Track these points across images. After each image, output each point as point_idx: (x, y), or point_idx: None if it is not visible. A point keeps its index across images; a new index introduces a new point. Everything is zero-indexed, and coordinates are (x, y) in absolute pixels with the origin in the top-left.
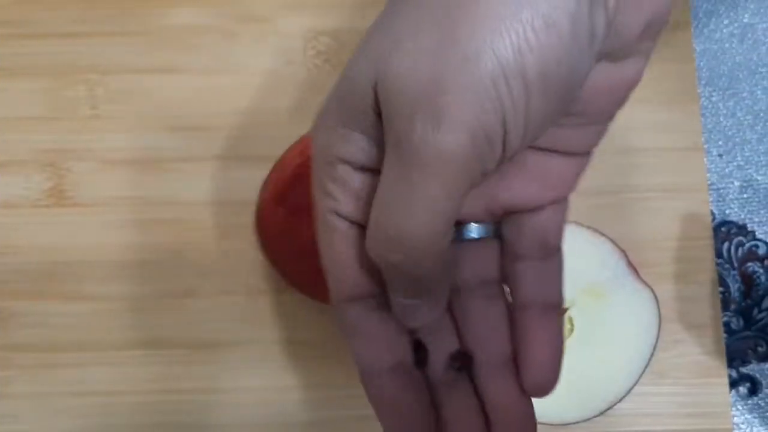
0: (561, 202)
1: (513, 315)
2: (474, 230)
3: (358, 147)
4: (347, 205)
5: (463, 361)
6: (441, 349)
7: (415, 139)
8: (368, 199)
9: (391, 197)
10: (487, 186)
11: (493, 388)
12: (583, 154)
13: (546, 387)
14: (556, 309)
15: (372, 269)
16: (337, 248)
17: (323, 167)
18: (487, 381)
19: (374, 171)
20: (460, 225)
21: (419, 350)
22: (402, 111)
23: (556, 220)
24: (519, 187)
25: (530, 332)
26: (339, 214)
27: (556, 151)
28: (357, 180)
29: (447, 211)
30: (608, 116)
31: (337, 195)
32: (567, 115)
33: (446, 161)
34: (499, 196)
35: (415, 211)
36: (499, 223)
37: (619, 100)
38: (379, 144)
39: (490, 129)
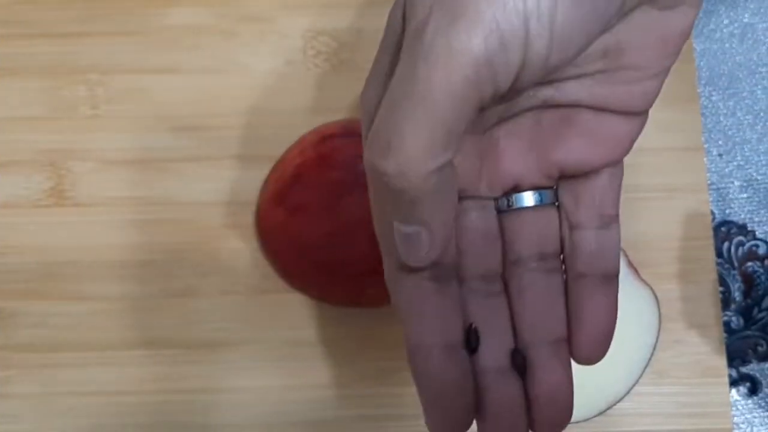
0: (616, 167)
1: (568, 284)
2: (530, 198)
3: None
4: None
5: (517, 360)
6: (493, 337)
7: (428, 32)
8: None
9: (393, 98)
10: (542, 144)
11: (542, 369)
12: (638, 114)
13: (597, 357)
14: (613, 279)
15: None
16: None
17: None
18: (537, 361)
19: None
20: (515, 192)
21: (470, 337)
22: (421, 8)
23: (612, 188)
24: (573, 145)
25: (587, 302)
26: None
27: (610, 111)
28: None
29: (447, 121)
30: (661, 70)
31: None
32: (619, 69)
33: (456, 59)
34: (554, 156)
35: (414, 114)
36: (556, 191)
37: (670, 53)
38: None
39: (509, 31)
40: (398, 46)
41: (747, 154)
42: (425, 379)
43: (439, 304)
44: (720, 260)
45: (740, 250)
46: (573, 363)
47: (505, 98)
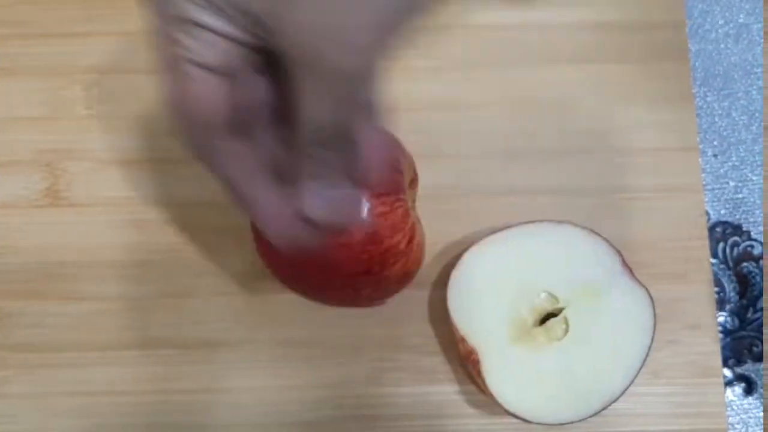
0: None
1: None
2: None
3: (214, 19)
4: (199, 50)
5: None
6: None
7: None
8: (223, 47)
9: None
10: None
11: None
12: None
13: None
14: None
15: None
16: (191, 87)
17: (173, 22)
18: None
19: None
20: None
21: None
22: None
23: None
24: None
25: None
26: (191, 61)
27: None
28: (207, 34)
29: None
30: None
31: (188, 43)
32: None
33: None
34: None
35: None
36: None
37: None
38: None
39: None
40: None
41: (742, 154)
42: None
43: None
44: (715, 261)
45: (735, 250)
46: (566, 363)
47: None
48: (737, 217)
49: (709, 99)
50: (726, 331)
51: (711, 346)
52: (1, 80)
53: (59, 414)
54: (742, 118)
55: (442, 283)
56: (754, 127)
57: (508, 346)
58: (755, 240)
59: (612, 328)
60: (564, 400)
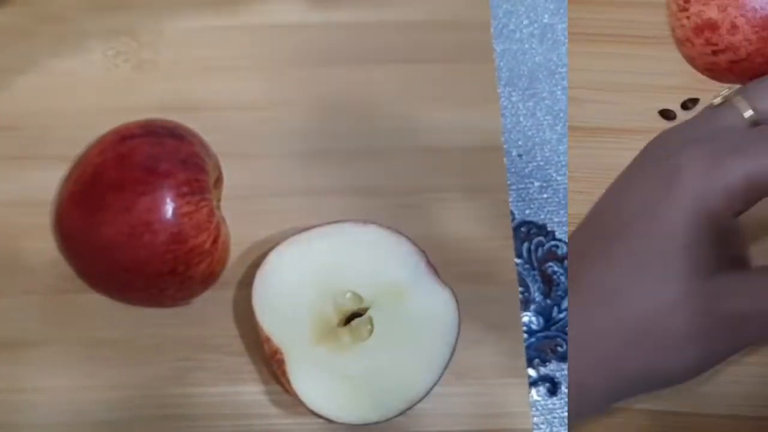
0: None
1: None
2: None
3: None
4: None
5: None
6: None
7: None
8: None
9: None
10: None
11: None
12: None
13: None
14: None
15: None
16: None
17: None
18: None
19: None
20: None
21: None
22: None
23: None
24: None
25: None
26: None
27: None
28: None
29: None
30: None
31: None
32: None
33: None
34: None
35: None
36: None
37: None
38: None
39: None
40: None
41: (547, 154)
42: None
43: None
44: (520, 261)
45: (540, 250)
46: (369, 363)
47: None
48: (542, 217)
49: (513, 99)
50: (531, 332)
51: (515, 346)
52: None
53: None
54: (546, 118)
55: (247, 282)
56: (558, 127)
57: (312, 346)
58: (560, 240)
59: (416, 328)
60: (368, 400)
